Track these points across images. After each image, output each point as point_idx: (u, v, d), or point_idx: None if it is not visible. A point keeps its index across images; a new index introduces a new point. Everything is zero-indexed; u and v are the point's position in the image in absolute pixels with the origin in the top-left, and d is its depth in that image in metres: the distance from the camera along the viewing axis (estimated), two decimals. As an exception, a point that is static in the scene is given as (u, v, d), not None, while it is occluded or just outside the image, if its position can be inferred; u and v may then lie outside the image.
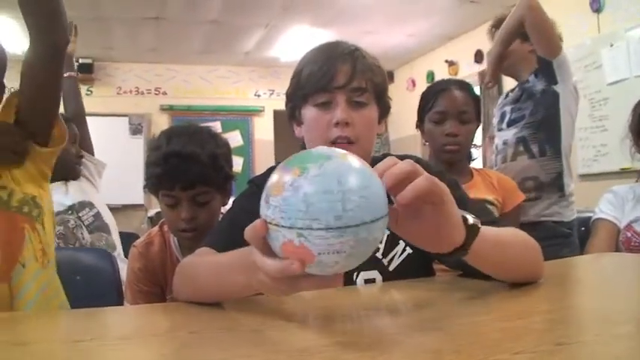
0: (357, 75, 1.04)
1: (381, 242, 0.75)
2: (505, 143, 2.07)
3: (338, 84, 1.03)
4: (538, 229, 1.94)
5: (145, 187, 1.44)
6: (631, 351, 0.60)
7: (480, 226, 0.76)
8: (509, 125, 2.08)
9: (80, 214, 2.15)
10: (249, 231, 0.63)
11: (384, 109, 1.14)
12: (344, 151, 0.63)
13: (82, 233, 2.12)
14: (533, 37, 1.93)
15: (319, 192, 0.57)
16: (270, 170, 1.17)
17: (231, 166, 1.48)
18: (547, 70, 1.96)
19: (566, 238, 1.94)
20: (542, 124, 1.99)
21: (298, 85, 1.08)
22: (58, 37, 1.19)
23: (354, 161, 0.62)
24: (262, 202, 0.62)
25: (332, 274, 0.62)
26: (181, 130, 1.43)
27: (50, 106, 1.26)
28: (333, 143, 1.03)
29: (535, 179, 1.98)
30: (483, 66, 5.50)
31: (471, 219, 0.75)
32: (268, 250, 0.64)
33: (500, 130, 2.13)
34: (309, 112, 1.08)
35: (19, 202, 1.21)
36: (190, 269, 0.96)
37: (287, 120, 1.17)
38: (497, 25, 2.13)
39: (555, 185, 1.99)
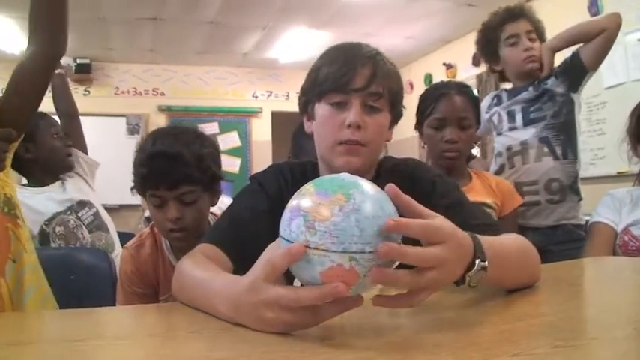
0: (375, 80, 1.03)
1: None
2: (524, 143, 2.01)
3: (356, 86, 1.03)
4: (558, 232, 1.94)
5: (132, 188, 1.44)
6: (628, 354, 0.60)
7: (486, 269, 0.73)
8: (526, 125, 2.02)
9: (79, 214, 2.15)
10: (279, 259, 0.64)
11: (396, 117, 1.14)
12: (358, 177, 0.67)
13: (82, 233, 2.12)
14: (596, 46, 1.91)
15: (369, 217, 0.61)
16: (273, 169, 1.17)
17: (219, 166, 1.47)
18: (577, 76, 1.97)
19: (582, 241, 1.94)
20: (564, 127, 1.98)
21: (315, 82, 1.08)
22: (60, 48, 1.28)
23: (374, 186, 0.66)
24: (302, 228, 0.62)
25: (354, 296, 0.65)
26: (167, 131, 1.44)
27: (33, 107, 1.32)
28: (344, 144, 1.04)
29: (559, 182, 1.96)
30: (481, 69, 5.52)
31: (477, 265, 0.72)
32: (280, 282, 0.66)
33: (511, 129, 2.06)
34: (322, 110, 1.08)
35: (2, 203, 1.26)
36: (184, 279, 0.94)
37: (298, 116, 1.19)
38: (494, 25, 2.09)
39: (573, 189, 1.98)
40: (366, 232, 0.60)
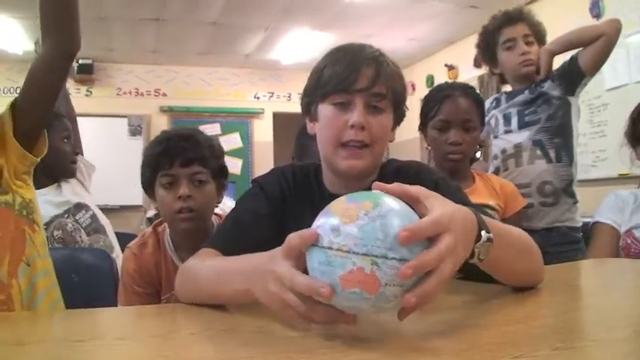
0: (379, 81, 1.03)
1: None
2: (517, 146, 2.01)
3: (359, 87, 1.03)
4: (553, 234, 1.93)
5: (142, 177, 1.49)
6: (629, 356, 0.60)
7: (492, 240, 0.74)
8: (521, 127, 2.02)
9: (77, 217, 2.14)
10: (296, 238, 0.65)
11: (399, 118, 1.14)
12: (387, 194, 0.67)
13: (80, 236, 2.11)
14: (595, 51, 1.90)
15: (395, 225, 0.61)
16: (275, 172, 1.17)
17: (224, 162, 1.56)
18: (574, 80, 1.97)
19: (579, 244, 1.94)
20: (559, 130, 1.98)
21: (318, 83, 1.08)
22: (72, 45, 1.27)
23: (401, 202, 0.66)
24: (327, 231, 0.63)
25: (349, 314, 0.64)
26: (180, 127, 1.59)
27: (47, 109, 1.31)
28: (346, 145, 1.04)
29: (552, 184, 1.95)
30: (483, 71, 5.52)
31: (484, 236, 0.73)
32: (300, 265, 0.66)
33: (507, 132, 2.07)
34: (325, 111, 1.07)
35: (20, 206, 1.27)
36: (192, 272, 0.96)
37: (299, 117, 1.18)
38: (493, 29, 2.09)
39: (567, 192, 1.98)
40: (390, 238, 0.60)
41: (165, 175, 1.43)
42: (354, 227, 0.60)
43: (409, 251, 0.60)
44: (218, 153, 1.52)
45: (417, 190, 0.70)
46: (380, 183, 0.69)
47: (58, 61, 1.26)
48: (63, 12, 1.24)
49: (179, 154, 1.42)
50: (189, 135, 1.46)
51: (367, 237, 0.60)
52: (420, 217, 0.66)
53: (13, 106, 1.25)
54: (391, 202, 0.64)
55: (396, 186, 0.69)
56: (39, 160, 1.32)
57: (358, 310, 0.63)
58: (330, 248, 0.61)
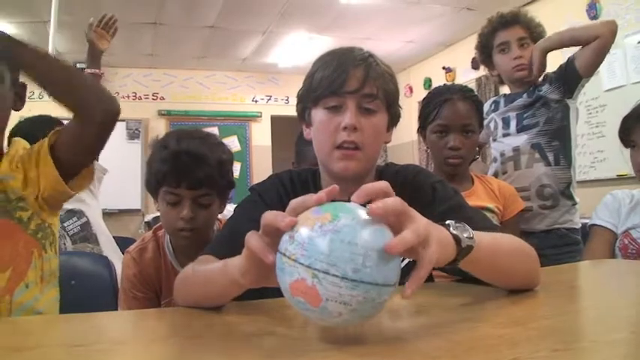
0: (368, 81, 1.04)
1: None
2: (516, 150, 2.01)
3: (349, 89, 1.03)
4: (552, 236, 1.94)
5: (146, 182, 1.45)
6: (628, 357, 0.60)
7: (473, 245, 0.76)
8: (519, 131, 2.02)
9: (65, 224, 2.10)
10: (271, 216, 0.67)
11: (394, 118, 1.14)
12: (361, 207, 0.65)
13: (64, 243, 2.07)
14: (591, 53, 1.88)
15: (345, 241, 0.59)
16: (272, 179, 1.17)
17: (232, 174, 1.50)
18: (571, 82, 1.96)
19: (577, 245, 1.94)
20: (557, 133, 1.98)
21: (310, 87, 1.08)
22: (104, 115, 1.21)
23: (384, 226, 0.64)
24: (286, 237, 0.63)
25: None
26: (192, 133, 1.45)
27: (88, 159, 1.28)
28: (340, 147, 1.04)
29: (551, 187, 1.96)
30: (480, 73, 5.53)
31: (465, 240, 0.75)
32: (271, 241, 0.68)
33: (505, 135, 2.07)
34: (318, 115, 1.08)
35: (36, 227, 1.24)
36: (191, 273, 0.97)
37: (297, 120, 1.18)
38: (491, 30, 2.09)
39: (565, 194, 1.98)
40: (336, 254, 0.59)
41: (170, 193, 1.39)
42: (306, 238, 0.61)
43: (353, 270, 0.59)
44: (227, 167, 1.45)
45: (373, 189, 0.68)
46: (357, 192, 0.66)
47: (105, 129, 1.23)
48: (69, 99, 1.17)
49: (186, 176, 1.36)
50: (200, 156, 1.37)
51: (312, 249, 0.60)
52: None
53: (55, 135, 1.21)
54: (356, 216, 0.62)
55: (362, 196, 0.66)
56: (74, 194, 1.27)
57: (309, 318, 0.64)
58: (284, 255, 0.62)
